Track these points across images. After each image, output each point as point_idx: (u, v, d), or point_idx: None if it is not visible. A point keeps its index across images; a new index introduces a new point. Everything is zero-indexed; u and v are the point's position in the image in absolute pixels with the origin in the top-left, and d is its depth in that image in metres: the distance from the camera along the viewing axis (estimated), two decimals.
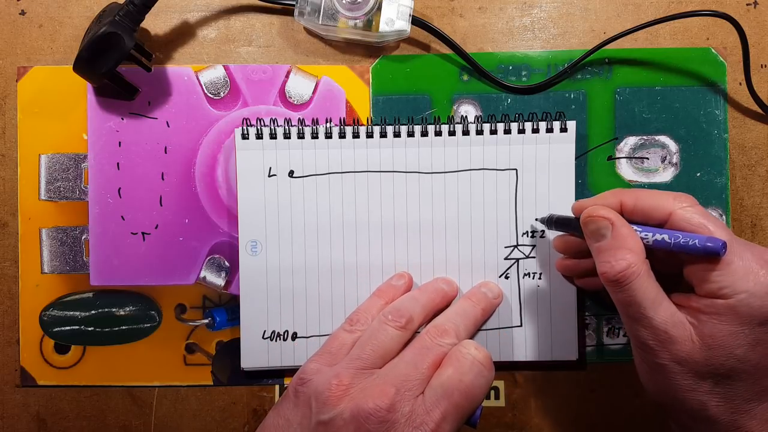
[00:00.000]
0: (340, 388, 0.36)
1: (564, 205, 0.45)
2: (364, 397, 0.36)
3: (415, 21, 0.45)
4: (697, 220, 0.36)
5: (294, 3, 0.45)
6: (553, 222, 0.43)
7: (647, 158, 0.46)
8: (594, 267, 0.37)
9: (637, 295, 0.35)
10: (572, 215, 0.41)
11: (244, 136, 0.45)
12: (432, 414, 0.35)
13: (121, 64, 0.43)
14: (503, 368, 0.46)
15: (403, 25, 0.44)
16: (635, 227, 0.37)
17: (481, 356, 0.38)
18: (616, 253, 0.36)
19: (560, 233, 0.43)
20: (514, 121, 0.45)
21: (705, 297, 0.35)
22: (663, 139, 0.46)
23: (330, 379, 0.37)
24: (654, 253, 0.37)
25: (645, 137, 0.46)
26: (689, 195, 0.37)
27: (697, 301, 0.35)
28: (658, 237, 0.36)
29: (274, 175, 0.45)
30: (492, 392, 0.46)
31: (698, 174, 0.46)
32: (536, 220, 0.45)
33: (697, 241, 0.34)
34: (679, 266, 0.37)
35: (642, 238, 0.36)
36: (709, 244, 0.34)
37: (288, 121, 0.45)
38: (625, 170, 0.46)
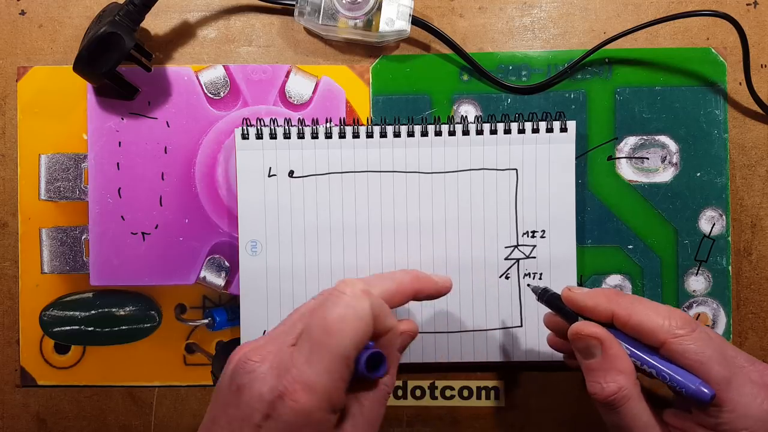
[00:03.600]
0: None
1: (564, 205, 0.45)
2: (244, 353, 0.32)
3: (415, 21, 0.45)
4: (691, 355, 0.34)
5: (294, 3, 0.45)
6: (545, 299, 0.40)
7: (647, 158, 0.46)
8: None
9: (626, 419, 0.34)
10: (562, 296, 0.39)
11: (244, 136, 0.45)
12: (295, 358, 0.31)
13: (121, 64, 0.43)
14: (503, 368, 0.46)
15: (403, 25, 0.44)
16: (626, 347, 0.36)
17: (355, 290, 0.33)
18: (606, 374, 0.35)
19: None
20: (514, 121, 0.45)
21: (703, 428, 0.34)
22: (663, 139, 0.46)
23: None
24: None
25: (645, 137, 0.46)
26: (687, 316, 0.35)
27: (692, 427, 0.34)
28: (647, 369, 0.35)
29: (274, 175, 0.45)
30: (492, 392, 0.46)
31: (698, 174, 0.46)
32: (528, 285, 0.44)
33: (684, 390, 0.34)
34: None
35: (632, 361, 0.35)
36: (698, 392, 0.33)
37: (288, 121, 0.45)
38: (625, 170, 0.46)
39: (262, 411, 0.30)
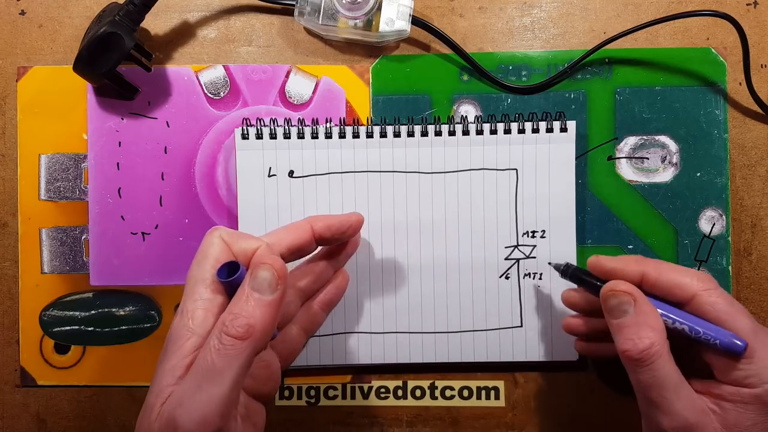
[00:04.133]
0: None
1: (564, 205, 0.45)
2: None
3: (415, 21, 0.45)
4: (721, 306, 0.35)
5: (294, 3, 0.45)
6: (569, 273, 0.41)
7: (647, 158, 0.46)
8: (601, 330, 0.37)
9: (659, 377, 0.34)
10: (588, 270, 0.40)
11: (244, 136, 0.45)
12: None
13: (121, 64, 0.43)
14: (503, 368, 0.46)
15: (403, 25, 0.44)
16: (659, 303, 0.36)
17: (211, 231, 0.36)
18: (638, 330, 0.35)
19: (571, 287, 0.42)
20: (514, 121, 0.45)
21: (729, 384, 0.35)
22: (663, 139, 0.46)
23: None
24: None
25: (645, 137, 0.46)
26: (711, 276, 0.37)
27: (718, 387, 0.35)
28: (679, 326, 0.36)
29: (274, 175, 0.45)
30: (492, 392, 0.46)
31: (698, 174, 0.46)
32: (549, 263, 0.45)
33: (719, 341, 0.35)
34: (695, 347, 0.37)
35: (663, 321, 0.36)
36: (731, 343, 0.34)
37: (288, 121, 0.45)
38: (625, 170, 0.46)
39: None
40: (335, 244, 0.41)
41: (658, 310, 0.36)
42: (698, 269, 0.46)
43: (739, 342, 0.34)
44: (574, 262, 0.45)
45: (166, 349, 0.33)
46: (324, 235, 0.39)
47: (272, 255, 0.34)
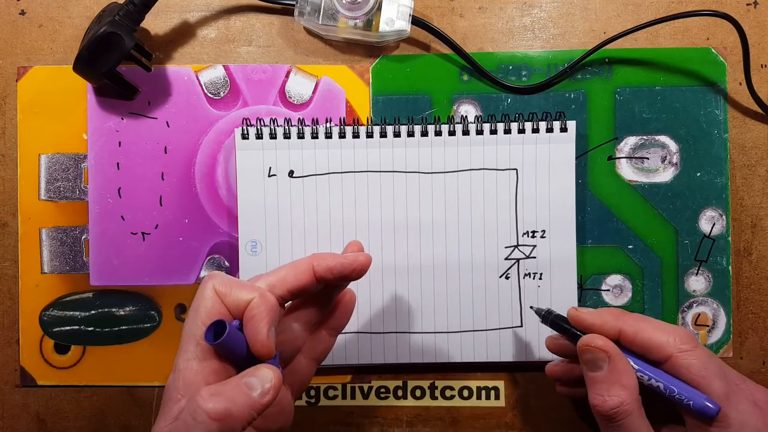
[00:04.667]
0: None
1: (564, 205, 0.45)
2: None
3: (415, 21, 0.45)
4: (696, 369, 0.36)
5: (294, 3, 0.45)
6: (549, 320, 0.41)
7: (647, 158, 0.46)
8: (581, 375, 0.38)
9: None
10: (567, 318, 0.40)
11: (244, 136, 0.45)
12: None
13: (121, 64, 0.43)
14: (503, 368, 0.46)
15: (403, 25, 0.44)
16: (632, 362, 0.37)
17: (205, 281, 0.34)
18: (609, 387, 0.36)
19: (554, 333, 0.41)
20: (514, 121, 0.45)
21: None
22: (663, 139, 0.46)
23: None
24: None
25: (645, 137, 0.46)
26: (691, 334, 0.37)
27: None
28: (654, 383, 0.36)
29: (274, 175, 0.45)
30: (492, 392, 0.46)
31: (698, 174, 0.46)
32: (531, 308, 0.45)
33: (692, 402, 0.35)
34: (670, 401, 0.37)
35: (638, 377, 0.36)
36: (704, 407, 0.35)
37: (288, 121, 0.45)
38: (625, 170, 0.46)
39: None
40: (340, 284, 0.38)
41: (634, 365, 0.37)
42: (698, 269, 0.46)
43: (711, 406, 0.35)
44: (573, 262, 0.45)
45: (162, 405, 0.33)
46: (325, 277, 0.36)
47: (268, 343, 0.32)
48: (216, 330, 0.32)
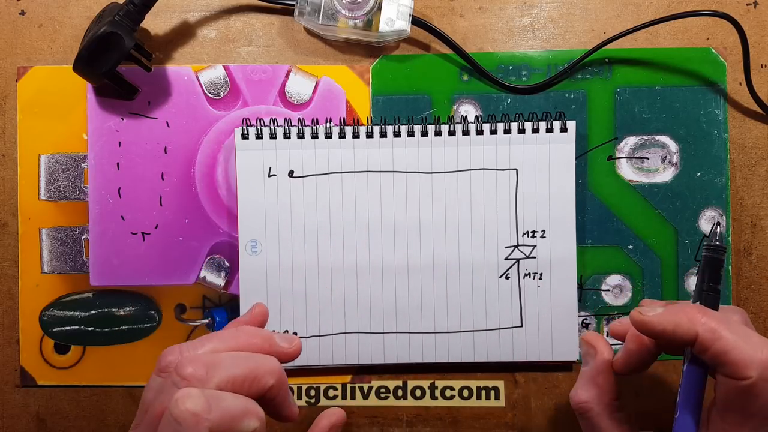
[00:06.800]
0: None
1: (564, 205, 0.45)
2: None
3: (415, 21, 0.45)
4: None
5: (294, 3, 0.45)
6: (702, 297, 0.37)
7: (647, 158, 0.46)
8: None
9: (592, 428, 0.37)
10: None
11: (244, 136, 0.45)
12: None
13: (121, 64, 0.43)
14: (503, 368, 0.46)
15: (403, 25, 0.44)
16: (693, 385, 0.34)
17: (188, 418, 0.29)
18: (586, 383, 0.38)
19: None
20: (514, 121, 0.45)
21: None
22: (663, 139, 0.46)
23: None
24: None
25: (645, 137, 0.46)
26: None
27: None
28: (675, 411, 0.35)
29: (274, 175, 0.45)
30: (492, 392, 0.46)
31: (698, 174, 0.46)
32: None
33: None
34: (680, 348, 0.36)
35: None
36: None
37: (288, 121, 0.45)
38: (625, 170, 0.46)
39: None
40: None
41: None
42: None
43: None
44: (573, 262, 0.45)
45: None
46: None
47: None
48: None
